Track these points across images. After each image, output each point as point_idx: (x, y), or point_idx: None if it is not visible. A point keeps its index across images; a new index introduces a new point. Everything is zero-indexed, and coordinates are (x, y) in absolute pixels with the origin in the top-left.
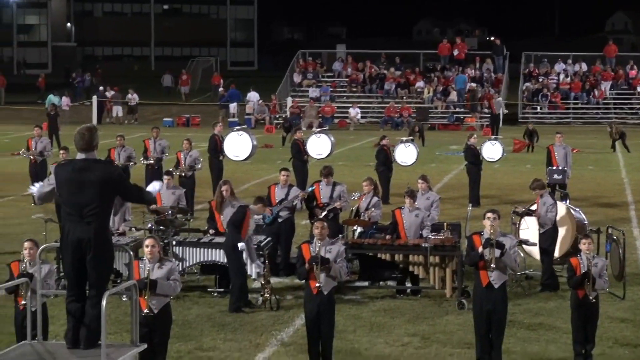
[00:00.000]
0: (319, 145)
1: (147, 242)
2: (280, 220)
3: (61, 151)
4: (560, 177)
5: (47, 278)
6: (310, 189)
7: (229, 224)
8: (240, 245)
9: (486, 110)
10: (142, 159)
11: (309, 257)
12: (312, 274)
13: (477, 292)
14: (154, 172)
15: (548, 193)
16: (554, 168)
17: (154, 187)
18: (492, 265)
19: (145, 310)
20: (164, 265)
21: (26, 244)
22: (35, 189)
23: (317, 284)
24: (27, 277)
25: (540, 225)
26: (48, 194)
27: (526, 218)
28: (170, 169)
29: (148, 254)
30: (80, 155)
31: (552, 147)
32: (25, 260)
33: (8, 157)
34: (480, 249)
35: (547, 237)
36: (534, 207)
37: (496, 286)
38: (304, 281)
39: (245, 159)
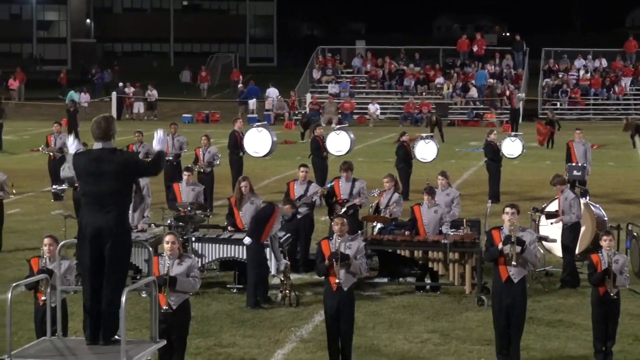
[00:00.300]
0: (338, 142)
1: (167, 238)
2: (299, 216)
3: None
4: (579, 173)
5: (66, 274)
6: (329, 185)
7: (253, 220)
8: (247, 240)
9: (506, 106)
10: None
11: (329, 254)
12: (331, 270)
13: (496, 287)
14: (173, 169)
15: (569, 188)
16: (574, 164)
17: (158, 139)
18: (513, 263)
19: (165, 307)
20: (183, 261)
21: (46, 240)
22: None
23: (337, 281)
24: (47, 274)
25: (564, 221)
26: (71, 178)
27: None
28: (190, 165)
29: (168, 250)
30: (97, 145)
31: (571, 144)
32: (45, 257)
33: (27, 153)
34: (500, 246)
35: (570, 233)
36: (553, 204)
37: (515, 281)
38: (323, 277)
39: (265, 155)
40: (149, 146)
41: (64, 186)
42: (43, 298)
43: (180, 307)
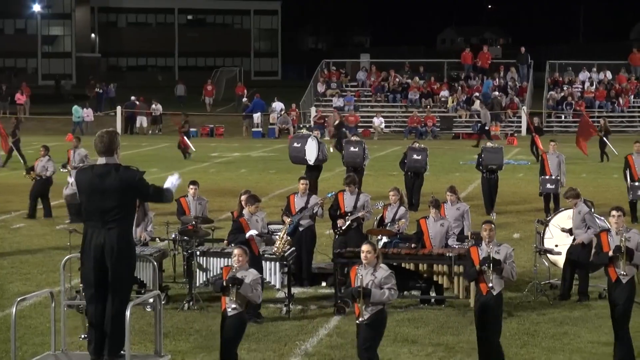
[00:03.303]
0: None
1: (236, 251)
2: (301, 229)
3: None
4: (553, 186)
5: (255, 284)
6: (329, 195)
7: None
8: (251, 233)
9: (510, 119)
10: (61, 167)
11: (479, 259)
12: (481, 276)
13: (609, 289)
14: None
15: (583, 201)
16: (547, 177)
17: (171, 182)
18: (490, 285)
19: (360, 319)
20: (377, 271)
21: (236, 251)
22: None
23: (490, 285)
24: (237, 283)
25: (576, 234)
26: (72, 196)
27: (550, 227)
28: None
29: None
30: (100, 160)
31: (545, 155)
32: (235, 267)
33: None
34: (610, 253)
35: (583, 249)
36: (559, 216)
37: (624, 281)
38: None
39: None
40: (83, 152)
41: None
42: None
43: (374, 317)
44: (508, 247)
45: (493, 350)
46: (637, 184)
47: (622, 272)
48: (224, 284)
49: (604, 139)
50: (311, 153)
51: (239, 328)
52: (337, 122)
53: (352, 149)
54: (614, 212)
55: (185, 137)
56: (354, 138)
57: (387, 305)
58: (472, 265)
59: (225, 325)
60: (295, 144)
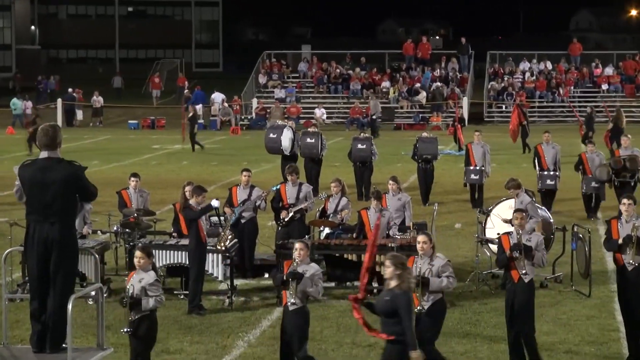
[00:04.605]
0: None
1: (297, 245)
2: (243, 221)
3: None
4: (477, 177)
5: (315, 278)
6: (273, 188)
7: (186, 222)
8: (214, 202)
9: (451, 109)
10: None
11: (509, 247)
12: (512, 263)
13: (620, 280)
14: None
15: (524, 192)
16: (471, 168)
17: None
18: (523, 271)
19: (418, 307)
20: (434, 261)
21: (297, 245)
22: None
23: (523, 271)
24: (297, 278)
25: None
26: (21, 193)
27: (492, 217)
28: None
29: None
30: (43, 154)
31: (470, 146)
32: (296, 260)
33: None
34: (620, 240)
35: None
36: (501, 205)
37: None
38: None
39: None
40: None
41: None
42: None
43: (433, 306)
44: (539, 235)
45: (525, 341)
46: (545, 173)
47: (630, 261)
48: (284, 278)
49: (526, 128)
50: (287, 143)
51: (300, 323)
52: (191, 114)
53: (308, 140)
54: (624, 200)
55: None
56: (311, 129)
57: (446, 292)
58: (503, 252)
59: (285, 321)
60: (272, 135)
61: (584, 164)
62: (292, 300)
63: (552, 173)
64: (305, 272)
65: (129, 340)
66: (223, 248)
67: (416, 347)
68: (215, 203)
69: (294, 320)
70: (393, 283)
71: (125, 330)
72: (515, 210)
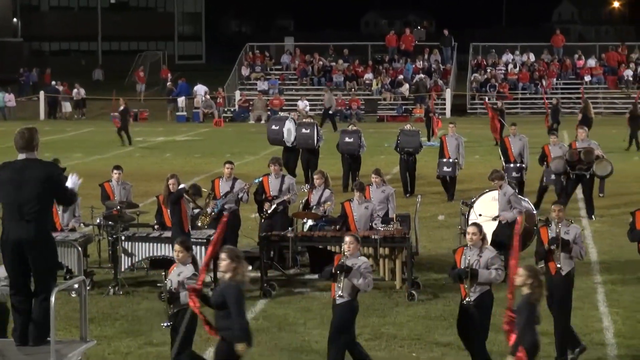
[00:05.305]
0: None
1: (347, 239)
2: (225, 213)
3: None
4: (449, 169)
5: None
6: (255, 180)
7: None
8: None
9: (435, 102)
10: None
11: (547, 240)
12: (550, 256)
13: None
14: None
15: (507, 183)
16: (445, 160)
17: (73, 182)
18: (559, 265)
19: (466, 299)
20: (483, 252)
21: (346, 239)
22: None
23: (558, 265)
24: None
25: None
26: None
27: (475, 208)
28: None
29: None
30: (20, 156)
31: (444, 138)
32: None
33: None
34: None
35: (507, 229)
36: (484, 197)
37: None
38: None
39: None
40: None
41: None
42: None
43: (481, 298)
44: (577, 228)
45: (563, 333)
46: (512, 165)
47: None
48: (333, 271)
49: (501, 120)
50: (289, 135)
51: (345, 317)
52: (122, 107)
53: (304, 130)
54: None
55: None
56: (306, 120)
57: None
58: (541, 244)
59: (334, 313)
60: (274, 126)
61: (547, 156)
62: (340, 293)
63: (518, 165)
64: (354, 266)
65: (170, 335)
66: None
67: (243, 340)
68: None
69: (340, 313)
70: (227, 276)
71: (165, 324)
72: (554, 203)
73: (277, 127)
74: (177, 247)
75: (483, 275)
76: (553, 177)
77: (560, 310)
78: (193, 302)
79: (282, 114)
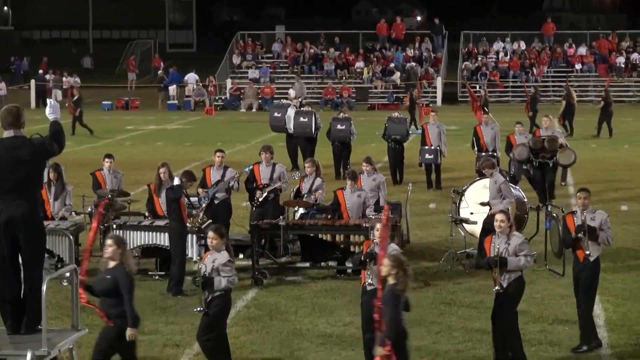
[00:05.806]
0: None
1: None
2: (216, 201)
3: None
4: (432, 156)
5: None
6: (247, 169)
7: (167, 203)
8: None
9: (426, 89)
10: None
11: (574, 227)
12: (577, 244)
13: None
14: None
15: (498, 171)
16: (427, 147)
17: (52, 107)
18: (588, 252)
19: (496, 287)
20: (510, 240)
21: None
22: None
23: (587, 252)
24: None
25: (493, 204)
26: None
27: (465, 196)
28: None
29: (497, 229)
30: (8, 133)
31: (425, 126)
32: None
33: None
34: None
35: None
36: (474, 185)
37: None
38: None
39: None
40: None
41: None
42: None
43: (511, 285)
44: (603, 214)
45: (586, 320)
46: (484, 154)
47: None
48: (362, 258)
49: (485, 109)
50: (291, 122)
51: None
52: (75, 97)
53: (302, 119)
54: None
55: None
56: (304, 108)
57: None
58: (569, 232)
59: (363, 301)
60: (276, 114)
61: (512, 146)
62: (369, 281)
63: (490, 154)
64: None
65: (201, 320)
66: (196, 228)
67: (136, 325)
68: (176, 181)
69: (370, 301)
70: (112, 263)
71: (198, 309)
72: (579, 190)
73: (279, 115)
74: (211, 234)
75: (512, 263)
76: (524, 167)
77: (586, 297)
78: (80, 295)
79: (284, 101)
